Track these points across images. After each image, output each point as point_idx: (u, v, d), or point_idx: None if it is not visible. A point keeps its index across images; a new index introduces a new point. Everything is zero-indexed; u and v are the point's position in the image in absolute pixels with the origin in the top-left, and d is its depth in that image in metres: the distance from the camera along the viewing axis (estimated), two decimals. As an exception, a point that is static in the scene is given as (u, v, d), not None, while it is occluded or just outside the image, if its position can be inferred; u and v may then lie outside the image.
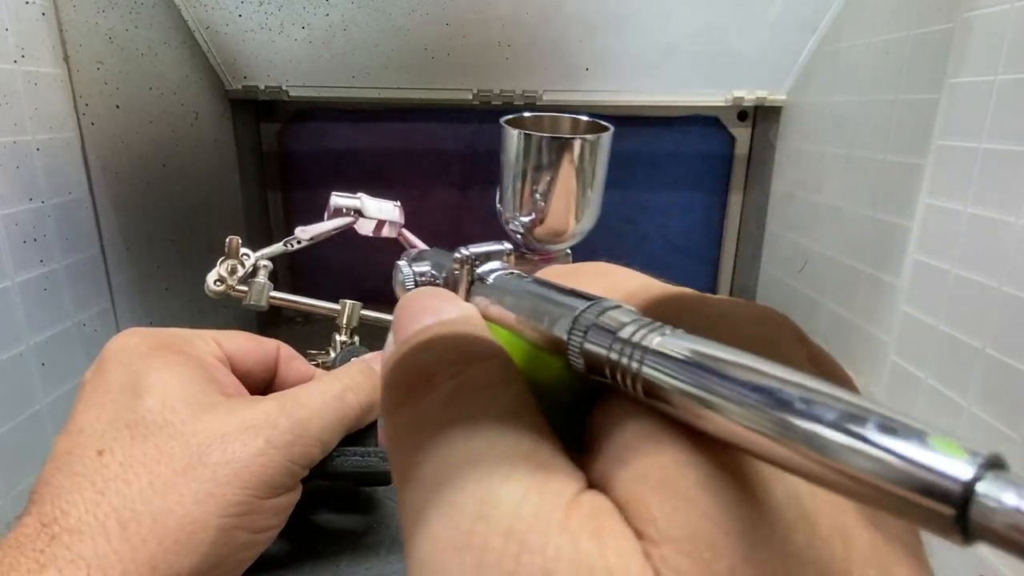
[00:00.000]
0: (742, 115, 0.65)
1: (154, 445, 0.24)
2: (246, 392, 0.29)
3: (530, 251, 0.19)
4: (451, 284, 0.17)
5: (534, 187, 0.18)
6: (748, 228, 0.67)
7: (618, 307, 0.12)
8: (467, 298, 0.17)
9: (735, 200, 0.68)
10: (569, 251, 0.19)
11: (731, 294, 0.71)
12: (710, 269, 0.71)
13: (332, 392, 0.28)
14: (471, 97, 0.58)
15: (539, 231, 0.18)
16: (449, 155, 0.66)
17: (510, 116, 0.18)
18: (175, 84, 0.52)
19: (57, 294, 0.40)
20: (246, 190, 0.64)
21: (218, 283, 0.39)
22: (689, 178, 0.68)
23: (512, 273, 0.16)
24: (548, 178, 0.17)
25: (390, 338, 0.15)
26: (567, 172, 0.17)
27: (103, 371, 0.27)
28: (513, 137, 0.17)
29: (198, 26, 0.53)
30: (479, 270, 0.17)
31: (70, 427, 0.25)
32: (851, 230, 0.48)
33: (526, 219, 0.18)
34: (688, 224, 0.69)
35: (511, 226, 0.19)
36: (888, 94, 0.43)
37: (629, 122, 0.65)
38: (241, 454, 0.25)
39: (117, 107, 0.45)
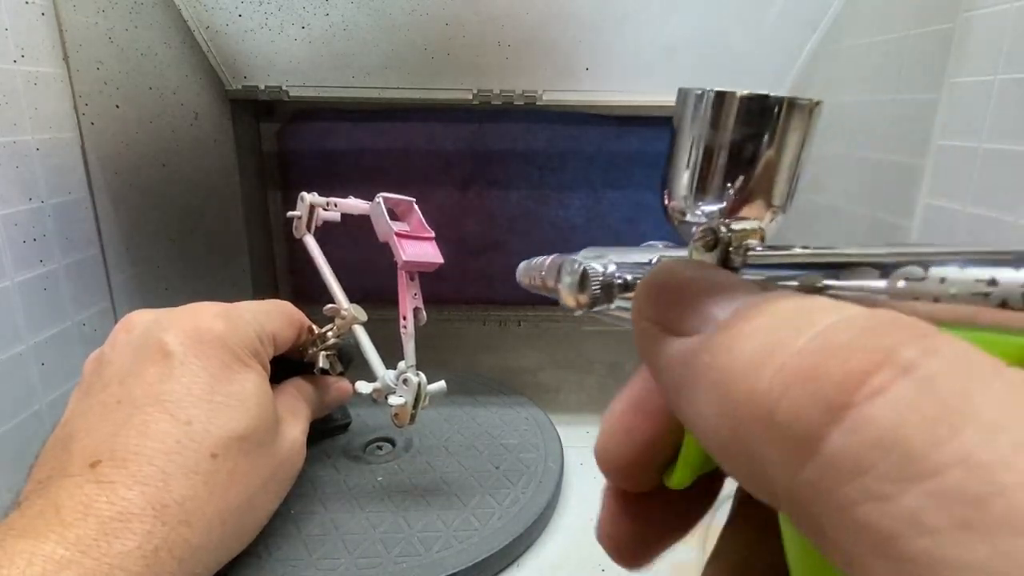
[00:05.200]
0: (742, 115, 0.65)
1: (253, 460, 0.29)
2: None
3: None
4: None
5: (728, 165, 0.13)
6: (748, 228, 0.67)
7: None
8: None
9: (735, 200, 0.68)
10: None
11: (731, 294, 0.70)
12: (710, 269, 0.71)
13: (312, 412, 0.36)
14: (471, 97, 0.58)
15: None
16: (449, 155, 0.66)
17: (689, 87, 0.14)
18: (175, 84, 0.52)
19: (57, 294, 0.40)
20: (246, 190, 0.64)
21: (296, 230, 0.40)
22: (689, 178, 0.68)
23: (783, 249, 0.12)
24: (750, 152, 0.13)
25: (651, 326, 0.11)
26: (768, 145, 0.13)
27: (204, 358, 0.29)
28: (702, 101, 0.13)
29: (198, 26, 0.53)
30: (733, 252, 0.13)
31: (175, 412, 0.27)
32: (851, 230, 0.48)
33: (711, 208, 0.14)
34: (688, 224, 0.69)
35: (688, 217, 0.14)
36: (888, 94, 0.43)
37: (629, 122, 0.65)
38: (291, 473, 0.32)
39: (117, 107, 0.45)
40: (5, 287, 0.36)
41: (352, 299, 0.38)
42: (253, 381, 0.30)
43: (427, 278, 0.70)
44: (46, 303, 0.39)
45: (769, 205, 0.14)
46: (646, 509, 0.13)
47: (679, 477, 0.12)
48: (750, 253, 0.13)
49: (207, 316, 0.30)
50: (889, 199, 0.43)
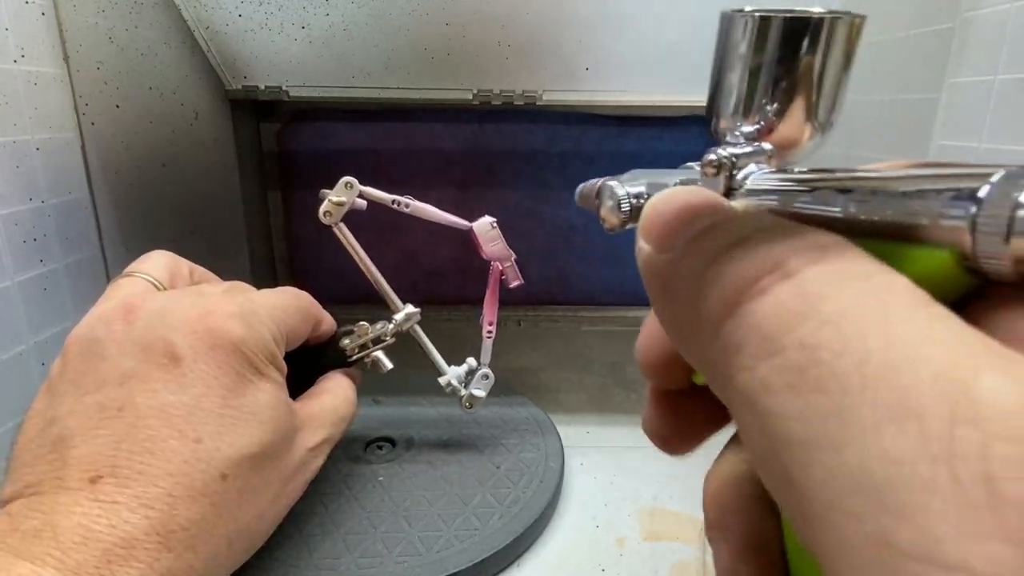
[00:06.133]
0: (742, 115, 0.65)
1: (264, 475, 0.27)
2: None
3: None
4: None
5: (766, 86, 0.14)
6: (748, 228, 0.67)
7: None
8: None
9: (735, 200, 0.68)
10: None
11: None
12: (710, 269, 0.71)
13: (345, 414, 0.34)
14: (471, 97, 0.58)
15: (767, 142, 0.14)
16: (449, 155, 0.66)
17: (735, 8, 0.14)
18: (175, 84, 0.52)
19: (57, 294, 0.40)
20: (246, 190, 0.64)
21: (327, 215, 0.37)
22: (689, 178, 0.68)
23: (782, 171, 0.13)
24: (786, 73, 0.13)
25: (644, 244, 0.12)
26: (810, 63, 0.13)
27: (216, 366, 0.26)
28: (742, 22, 0.14)
29: (198, 26, 0.53)
30: (738, 176, 0.13)
31: (182, 428, 0.25)
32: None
33: (749, 129, 0.14)
34: (688, 224, 0.69)
35: (728, 139, 0.15)
36: (888, 94, 0.43)
37: (629, 122, 0.65)
38: (302, 480, 0.30)
39: (117, 107, 0.45)
40: (5, 287, 0.36)
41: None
42: (268, 391, 0.28)
43: (427, 278, 0.70)
44: (46, 303, 0.39)
45: (810, 123, 0.15)
46: (680, 404, 0.15)
47: (699, 376, 0.14)
48: (751, 177, 0.13)
49: (221, 315, 0.27)
50: (889, 199, 0.43)
